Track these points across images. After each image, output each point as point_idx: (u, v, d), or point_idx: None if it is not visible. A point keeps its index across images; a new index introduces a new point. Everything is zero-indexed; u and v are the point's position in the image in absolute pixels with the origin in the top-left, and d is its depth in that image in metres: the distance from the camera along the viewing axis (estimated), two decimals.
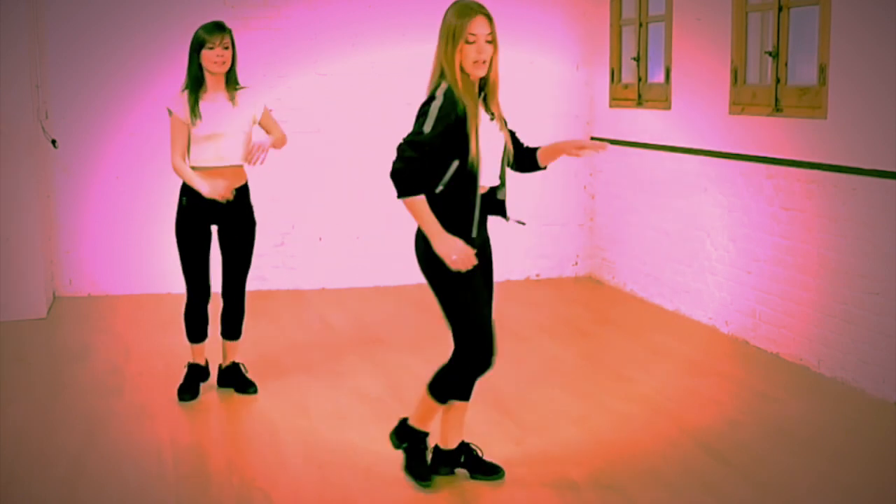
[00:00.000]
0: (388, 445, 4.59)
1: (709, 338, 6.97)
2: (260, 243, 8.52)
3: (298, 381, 5.98)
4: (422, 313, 7.52)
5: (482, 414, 5.23)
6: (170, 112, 5.39)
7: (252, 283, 8.55)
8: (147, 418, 5.36)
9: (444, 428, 4.43)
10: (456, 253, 3.99)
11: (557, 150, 4.27)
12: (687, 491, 4.38)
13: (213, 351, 5.91)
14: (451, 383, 4.23)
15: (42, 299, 7.62)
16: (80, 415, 5.41)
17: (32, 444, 4.98)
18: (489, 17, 4.03)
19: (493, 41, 4.04)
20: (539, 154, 4.31)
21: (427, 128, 3.99)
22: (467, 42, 3.99)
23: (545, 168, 4.35)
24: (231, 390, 5.77)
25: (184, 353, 5.94)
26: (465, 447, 4.46)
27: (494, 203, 4.24)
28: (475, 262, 4.04)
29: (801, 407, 5.55)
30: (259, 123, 5.59)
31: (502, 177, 4.24)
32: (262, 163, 5.45)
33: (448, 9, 4.09)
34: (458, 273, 4.04)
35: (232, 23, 8.22)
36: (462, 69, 4.04)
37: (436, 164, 4.03)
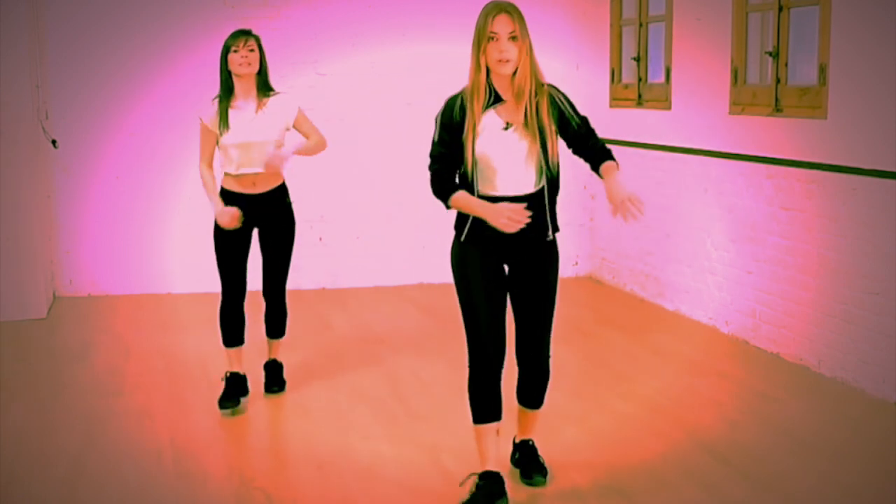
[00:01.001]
0: (389, 445, 4.60)
1: (709, 338, 6.97)
2: None
3: (298, 381, 5.98)
4: (422, 313, 7.51)
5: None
6: (200, 120, 5.44)
7: (252, 283, 8.55)
8: (147, 418, 5.36)
9: (518, 425, 4.55)
10: (504, 217, 3.94)
11: (608, 189, 4.19)
12: (687, 491, 4.38)
13: (250, 364, 5.88)
14: (468, 393, 4.21)
15: (42, 299, 7.62)
16: (80, 415, 5.41)
17: (32, 444, 4.98)
18: (512, 15, 3.94)
19: (517, 38, 3.93)
20: (602, 172, 4.25)
21: (435, 136, 4.06)
22: (490, 40, 3.92)
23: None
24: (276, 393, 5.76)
25: (184, 353, 5.94)
26: (524, 445, 4.51)
27: (538, 222, 4.18)
28: (526, 213, 3.95)
29: (802, 407, 5.55)
30: (294, 127, 5.57)
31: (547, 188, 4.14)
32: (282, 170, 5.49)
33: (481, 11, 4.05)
34: (463, 278, 4.09)
35: (232, 23, 8.27)
36: (489, 70, 3.97)
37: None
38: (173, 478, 4.58)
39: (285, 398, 5.65)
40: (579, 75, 8.94)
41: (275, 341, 5.81)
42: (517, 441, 4.55)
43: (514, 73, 3.97)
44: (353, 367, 6.27)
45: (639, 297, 8.21)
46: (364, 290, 8.55)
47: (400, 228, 8.63)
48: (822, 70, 5.94)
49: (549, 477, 4.47)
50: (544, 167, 4.11)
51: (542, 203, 4.14)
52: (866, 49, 5.64)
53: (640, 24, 8.15)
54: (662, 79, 7.78)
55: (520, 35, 3.94)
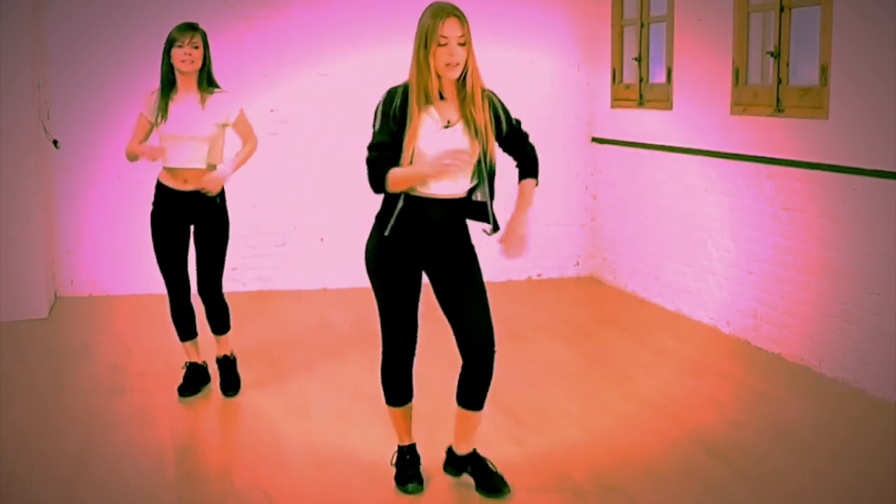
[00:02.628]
0: (389, 446, 4.59)
1: (710, 338, 6.97)
2: (261, 243, 8.59)
3: (299, 381, 5.98)
4: (423, 314, 7.49)
5: (483, 414, 5.22)
6: (140, 114, 5.47)
7: (253, 283, 8.58)
8: (148, 418, 5.36)
9: (456, 432, 4.42)
10: (442, 162, 3.90)
11: (513, 219, 4.19)
12: (687, 491, 4.38)
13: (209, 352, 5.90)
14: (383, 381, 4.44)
15: (43, 299, 7.62)
16: (80, 415, 5.41)
17: (33, 444, 4.98)
18: (461, 19, 3.95)
19: (466, 43, 3.95)
20: (520, 191, 4.25)
21: (375, 126, 4.07)
22: (439, 45, 3.92)
23: None
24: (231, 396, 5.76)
25: (184, 354, 5.94)
26: (473, 457, 4.42)
27: (473, 207, 4.17)
28: (463, 152, 3.94)
29: (802, 407, 5.54)
30: (233, 127, 5.53)
31: (480, 180, 4.12)
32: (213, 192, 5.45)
33: (424, 10, 4.03)
34: (380, 279, 4.21)
35: (233, 23, 8.32)
36: (437, 73, 3.97)
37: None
38: (174, 478, 4.58)
39: (286, 398, 5.65)
40: (580, 76, 8.94)
41: (221, 337, 5.79)
42: (461, 454, 4.41)
43: (461, 76, 4.00)
44: (353, 367, 6.27)
45: (640, 297, 8.20)
46: (365, 291, 8.49)
47: None
48: (824, 70, 5.94)
49: (553, 479, 4.47)
50: (482, 168, 4.11)
51: (465, 205, 4.17)
52: (867, 49, 5.64)
53: (642, 25, 8.15)
54: (664, 79, 7.78)
55: (468, 40, 3.97)
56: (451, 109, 4.06)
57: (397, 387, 4.43)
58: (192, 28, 5.40)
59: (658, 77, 7.98)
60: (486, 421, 5.16)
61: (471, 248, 4.25)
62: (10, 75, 7.36)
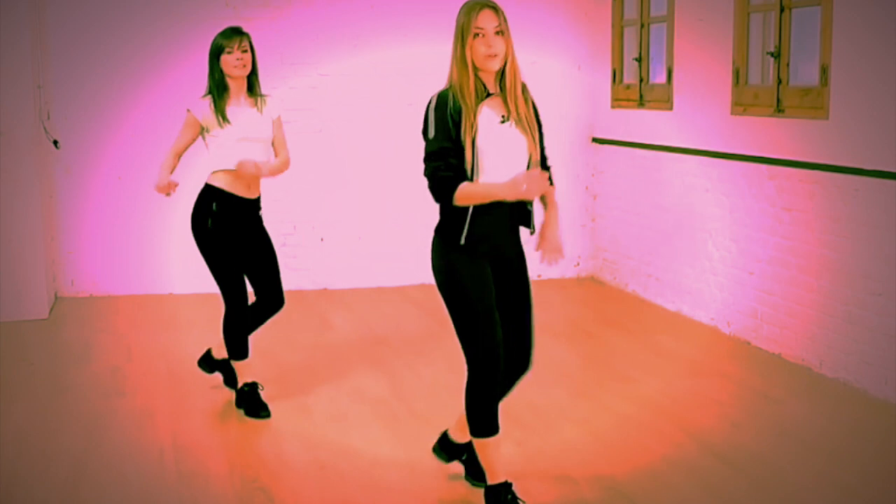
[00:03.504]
0: (390, 446, 4.59)
1: (710, 338, 6.97)
2: None
3: (300, 381, 5.98)
4: (424, 314, 7.51)
5: None
6: (188, 111, 5.36)
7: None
8: (149, 419, 5.36)
9: (460, 419, 4.35)
10: (522, 185, 3.80)
11: (547, 225, 4.09)
12: (688, 491, 4.38)
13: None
14: (469, 408, 4.08)
15: (44, 300, 7.62)
16: (81, 415, 5.41)
17: (34, 445, 4.98)
18: (496, 10, 3.90)
19: (503, 32, 3.90)
20: (547, 195, 4.14)
21: (431, 133, 3.91)
22: (475, 37, 3.86)
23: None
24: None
25: (185, 354, 5.95)
26: (470, 447, 4.38)
27: (522, 212, 4.06)
28: (543, 178, 3.83)
29: (803, 408, 5.54)
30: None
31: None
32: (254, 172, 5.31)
33: (460, 9, 3.97)
34: (467, 291, 3.95)
35: (232, 23, 8.30)
36: (476, 67, 3.90)
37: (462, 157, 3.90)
38: (175, 478, 4.58)
39: (287, 399, 5.65)
40: (581, 76, 8.94)
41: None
42: (458, 441, 4.39)
43: (502, 68, 3.93)
44: (354, 367, 6.27)
45: (640, 298, 8.20)
46: (366, 291, 8.55)
47: (402, 229, 8.63)
48: (824, 70, 5.94)
49: (553, 479, 4.47)
50: (536, 160, 4.01)
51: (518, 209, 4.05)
52: (868, 49, 5.64)
53: (642, 25, 8.15)
54: (664, 79, 7.78)
55: (505, 30, 3.91)
56: (501, 104, 3.96)
57: (490, 413, 4.07)
58: (238, 33, 5.34)
59: (658, 77, 7.98)
60: None
61: (524, 255, 4.15)
62: (10, 75, 7.36)
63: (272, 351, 6.62)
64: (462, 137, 3.86)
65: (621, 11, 8.49)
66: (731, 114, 6.88)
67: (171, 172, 5.40)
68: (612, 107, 8.61)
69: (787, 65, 6.37)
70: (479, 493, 4.32)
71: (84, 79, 8.18)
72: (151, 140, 8.20)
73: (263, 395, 5.46)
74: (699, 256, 7.38)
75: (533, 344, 4.17)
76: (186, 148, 5.43)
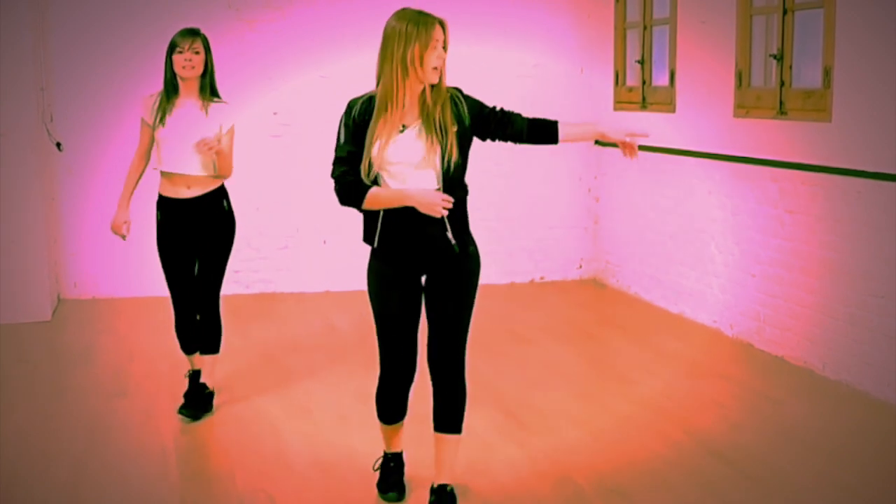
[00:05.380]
0: None
1: (712, 340, 6.96)
2: (264, 246, 8.59)
3: (302, 383, 5.98)
4: (424, 316, 7.50)
5: (485, 416, 5.23)
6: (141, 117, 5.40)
7: (256, 285, 8.58)
8: (151, 421, 5.37)
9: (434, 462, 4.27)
10: (436, 202, 3.83)
11: (607, 131, 4.03)
12: (690, 493, 4.37)
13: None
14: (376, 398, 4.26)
15: (46, 302, 7.63)
16: (83, 417, 5.41)
17: (35, 446, 4.98)
18: (444, 24, 3.97)
19: (446, 49, 3.97)
20: (562, 130, 4.05)
21: (341, 138, 4.07)
22: (433, 49, 3.90)
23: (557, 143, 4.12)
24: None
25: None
26: (440, 491, 4.19)
27: (442, 226, 3.99)
28: (447, 198, 3.85)
29: (805, 409, 5.54)
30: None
31: (443, 187, 3.92)
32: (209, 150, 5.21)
33: (394, 17, 4.01)
34: (373, 294, 4.07)
35: (234, 25, 8.32)
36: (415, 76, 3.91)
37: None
38: (176, 480, 4.58)
39: (289, 401, 5.65)
40: (583, 78, 8.94)
41: (208, 358, 5.51)
42: (435, 486, 4.19)
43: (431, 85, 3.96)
44: (356, 368, 6.26)
45: (642, 300, 8.20)
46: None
47: None
48: (827, 73, 5.93)
49: (555, 481, 4.46)
50: (445, 168, 3.92)
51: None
52: (871, 52, 5.64)
53: (645, 27, 8.15)
54: (667, 82, 7.78)
55: (447, 44, 3.97)
56: (410, 113, 3.97)
57: (391, 407, 4.30)
58: (192, 33, 5.31)
59: (661, 80, 7.98)
60: (488, 422, 5.18)
61: (465, 257, 4.03)
62: (12, 77, 7.37)
63: (274, 353, 6.63)
64: (367, 146, 3.96)
65: (624, 14, 8.49)
66: (734, 116, 6.88)
67: (133, 190, 5.42)
68: (615, 109, 8.60)
69: (790, 67, 6.36)
70: (480, 493, 4.32)
71: (86, 81, 8.19)
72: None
73: (268, 393, 5.45)
74: (701, 259, 7.38)
75: (461, 357, 4.13)
76: (148, 147, 5.40)
